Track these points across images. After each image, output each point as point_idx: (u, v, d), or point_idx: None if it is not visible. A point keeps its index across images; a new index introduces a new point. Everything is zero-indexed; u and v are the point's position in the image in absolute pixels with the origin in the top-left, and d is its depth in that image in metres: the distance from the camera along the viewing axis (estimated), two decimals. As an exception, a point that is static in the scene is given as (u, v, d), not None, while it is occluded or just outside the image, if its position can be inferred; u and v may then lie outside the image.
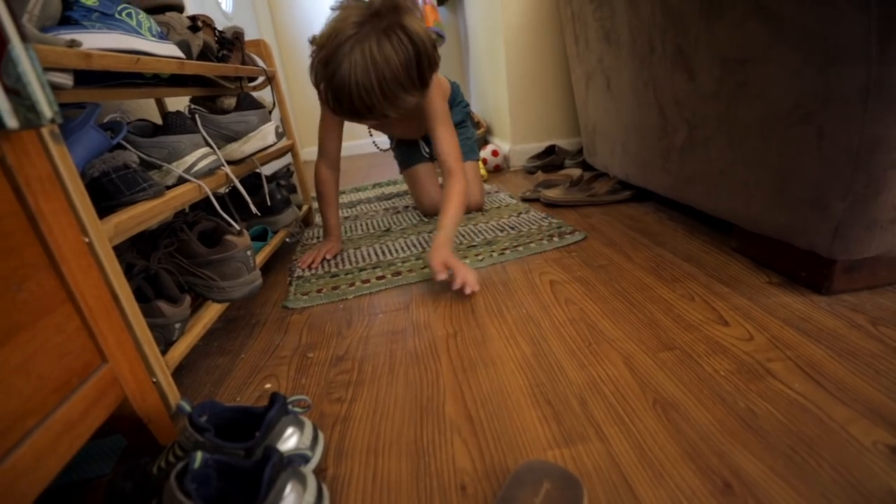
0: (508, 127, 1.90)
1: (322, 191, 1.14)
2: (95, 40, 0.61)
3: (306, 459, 0.44)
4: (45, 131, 0.46)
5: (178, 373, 0.70)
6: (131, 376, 0.52)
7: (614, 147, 1.28)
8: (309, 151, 2.91)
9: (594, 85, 1.35)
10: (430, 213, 1.36)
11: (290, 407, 0.49)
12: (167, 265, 0.72)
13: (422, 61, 0.87)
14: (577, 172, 1.57)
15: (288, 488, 0.40)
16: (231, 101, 1.12)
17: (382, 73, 0.83)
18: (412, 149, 1.38)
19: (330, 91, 0.88)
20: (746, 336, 0.60)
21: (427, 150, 1.37)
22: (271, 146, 0.96)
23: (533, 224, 1.15)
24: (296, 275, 1.03)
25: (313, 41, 0.90)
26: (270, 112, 1.26)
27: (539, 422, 0.51)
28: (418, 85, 0.90)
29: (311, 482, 0.43)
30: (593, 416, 0.51)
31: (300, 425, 0.49)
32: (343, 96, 0.87)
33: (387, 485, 0.46)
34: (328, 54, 0.85)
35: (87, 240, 0.50)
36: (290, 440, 0.48)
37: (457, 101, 1.39)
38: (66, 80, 0.54)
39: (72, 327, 0.45)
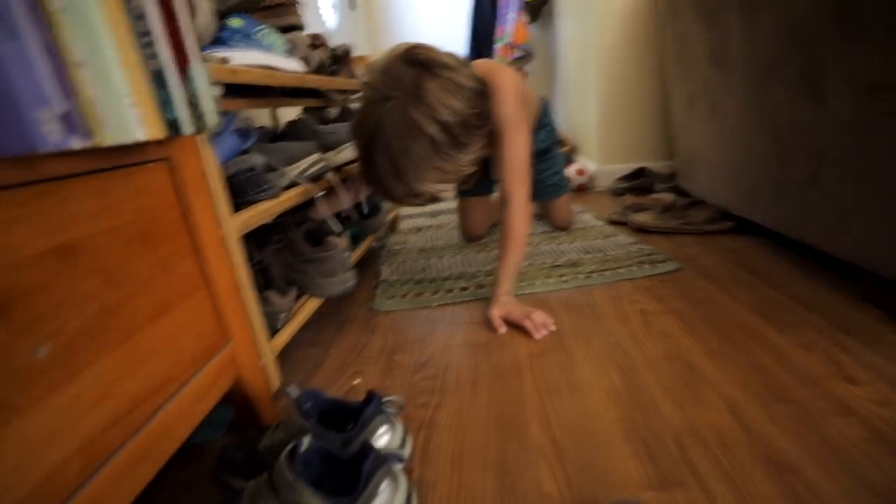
0: (595, 146, 1.85)
1: None
2: (239, 57, 0.70)
3: (401, 459, 0.46)
4: (199, 136, 0.53)
5: (277, 359, 0.75)
6: (246, 357, 0.57)
7: (716, 174, 1.20)
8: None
9: (696, 108, 1.27)
10: (469, 241, 1.32)
11: (384, 406, 0.51)
12: (276, 259, 0.78)
13: (452, 132, 0.74)
14: (668, 197, 1.49)
15: (384, 485, 0.42)
16: (335, 112, 1.21)
17: (405, 166, 0.74)
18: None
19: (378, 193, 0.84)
20: (882, 399, 0.53)
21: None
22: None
23: (621, 248, 1.11)
24: (381, 279, 1.08)
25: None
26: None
27: (632, 458, 0.49)
28: (463, 145, 0.77)
29: (403, 482, 0.44)
30: (693, 462, 0.48)
31: (392, 425, 0.51)
32: (390, 197, 0.83)
33: (471, 497, 0.46)
34: (361, 150, 0.80)
35: (221, 232, 0.56)
36: (382, 438, 0.50)
37: (544, 123, 1.23)
38: (217, 92, 0.62)
39: (207, 309, 0.51)
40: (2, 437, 0.28)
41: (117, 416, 0.37)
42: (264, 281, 0.73)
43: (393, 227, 1.49)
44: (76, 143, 0.32)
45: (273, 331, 0.69)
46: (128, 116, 0.35)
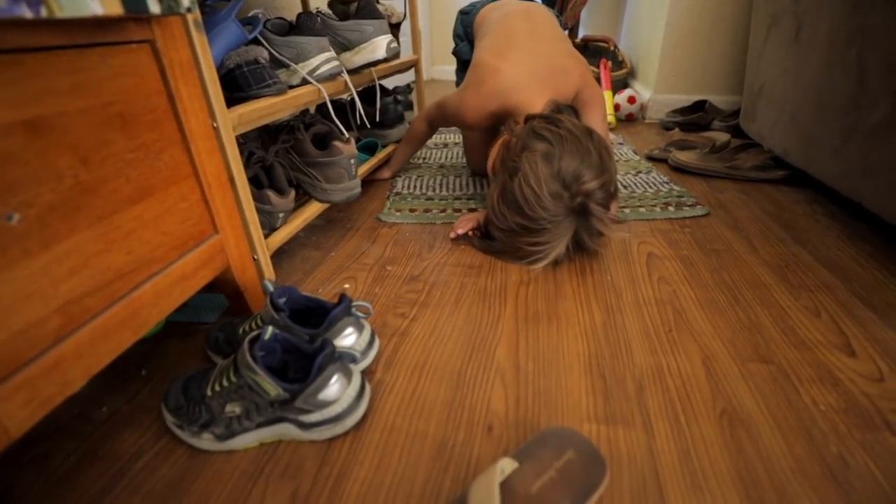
0: (655, 72, 1.65)
1: (412, 134, 1.09)
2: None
3: (354, 360, 0.49)
4: (189, 19, 0.51)
5: (278, 256, 0.79)
6: (236, 249, 0.60)
7: (780, 115, 1.05)
8: (439, 70, 2.87)
9: (778, 31, 1.08)
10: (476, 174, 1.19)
11: (353, 310, 0.53)
12: (282, 159, 0.79)
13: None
14: (723, 136, 1.34)
15: (334, 378, 0.45)
16: (354, 7, 1.11)
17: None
18: None
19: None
20: (875, 375, 0.49)
21: None
22: (380, 61, 0.94)
23: (650, 187, 1.03)
24: (395, 191, 1.07)
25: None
26: (400, 24, 1.25)
27: (586, 392, 0.49)
28: None
29: (356, 379, 0.47)
30: (646, 404, 0.47)
31: (360, 328, 0.53)
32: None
33: (423, 403, 0.49)
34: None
35: (214, 125, 0.56)
36: (348, 338, 0.52)
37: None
38: (215, -31, 0.58)
39: (193, 198, 0.53)
40: (-22, 288, 0.32)
41: (96, 286, 0.41)
42: (268, 179, 0.74)
43: (419, 140, 1.44)
44: (26, 12, 0.31)
45: (272, 229, 0.72)
46: (81, -15, 0.34)
